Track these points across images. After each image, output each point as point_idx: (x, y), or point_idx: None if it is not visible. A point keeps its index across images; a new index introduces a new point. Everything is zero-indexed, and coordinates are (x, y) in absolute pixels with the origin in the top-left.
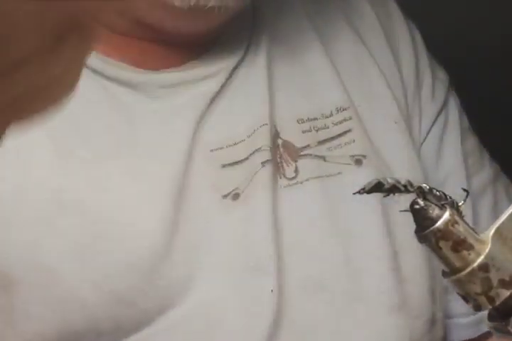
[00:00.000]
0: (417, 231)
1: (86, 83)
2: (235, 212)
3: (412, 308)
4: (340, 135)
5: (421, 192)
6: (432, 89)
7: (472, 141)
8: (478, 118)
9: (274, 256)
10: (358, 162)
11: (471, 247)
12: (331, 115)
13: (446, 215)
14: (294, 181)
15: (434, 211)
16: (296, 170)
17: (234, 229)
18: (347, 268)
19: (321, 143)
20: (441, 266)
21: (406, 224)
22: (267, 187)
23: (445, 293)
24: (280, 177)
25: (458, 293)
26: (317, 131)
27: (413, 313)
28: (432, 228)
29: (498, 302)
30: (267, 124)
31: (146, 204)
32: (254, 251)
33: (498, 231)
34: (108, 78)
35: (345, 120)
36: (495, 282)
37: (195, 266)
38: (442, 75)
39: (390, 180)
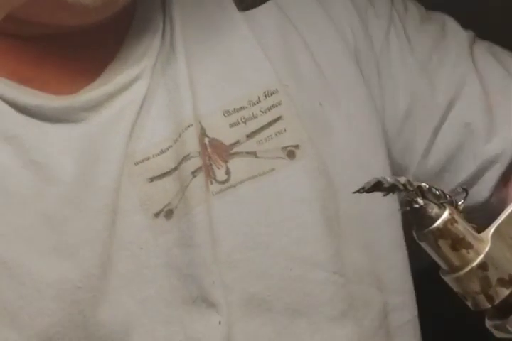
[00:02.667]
0: (416, 230)
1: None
2: (170, 234)
3: (358, 309)
4: (270, 124)
5: (420, 191)
6: (386, 35)
7: (433, 26)
8: None
9: (217, 281)
10: (291, 154)
11: (470, 246)
12: (259, 101)
13: (446, 214)
14: (227, 185)
15: (434, 210)
16: (228, 172)
17: (170, 255)
18: (287, 280)
19: (250, 136)
20: (440, 265)
21: (353, 218)
22: (202, 200)
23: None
24: (211, 183)
25: (457, 292)
26: (245, 122)
27: (359, 314)
28: (431, 227)
29: (497, 301)
30: (192, 125)
31: (77, 246)
32: (196, 278)
33: (497, 230)
34: (20, 108)
35: (274, 106)
36: (494, 281)
37: (132, 305)
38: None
39: (389, 179)
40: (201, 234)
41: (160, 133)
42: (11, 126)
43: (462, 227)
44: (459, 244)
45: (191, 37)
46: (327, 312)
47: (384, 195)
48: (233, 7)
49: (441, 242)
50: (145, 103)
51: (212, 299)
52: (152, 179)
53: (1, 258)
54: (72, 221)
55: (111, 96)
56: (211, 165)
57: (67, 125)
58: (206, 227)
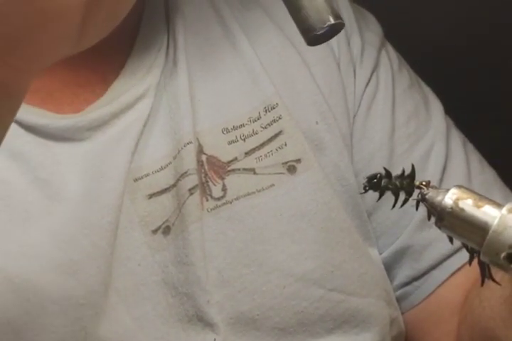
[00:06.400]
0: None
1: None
2: (167, 251)
3: (357, 324)
4: (270, 140)
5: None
6: (361, 56)
7: (415, 99)
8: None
9: (212, 300)
10: (292, 169)
11: (491, 201)
12: (259, 117)
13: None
14: (223, 201)
15: (438, 195)
16: (224, 188)
17: (167, 272)
18: (279, 298)
19: (248, 153)
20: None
21: (351, 230)
22: (197, 217)
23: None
24: (207, 200)
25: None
26: (244, 139)
27: (356, 329)
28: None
29: None
30: (191, 142)
31: (82, 263)
32: (192, 297)
33: None
34: (30, 129)
35: (274, 121)
36: None
37: (129, 321)
38: (372, 36)
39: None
40: (195, 253)
41: (161, 151)
42: (16, 144)
43: (473, 192)
44: (480, 201)
45: (193, 53)
46: (313, 331)
47: (382, 190)
48: (233, 22)
49: (462, 204)
50: (148, 121)
51: (207, 318)
52: (151, 195)
53: (7, 274)
54: (77, 238)
55: (116, 115)
56: (207, 181)
57: (72, 143)
58: (200, 245)
